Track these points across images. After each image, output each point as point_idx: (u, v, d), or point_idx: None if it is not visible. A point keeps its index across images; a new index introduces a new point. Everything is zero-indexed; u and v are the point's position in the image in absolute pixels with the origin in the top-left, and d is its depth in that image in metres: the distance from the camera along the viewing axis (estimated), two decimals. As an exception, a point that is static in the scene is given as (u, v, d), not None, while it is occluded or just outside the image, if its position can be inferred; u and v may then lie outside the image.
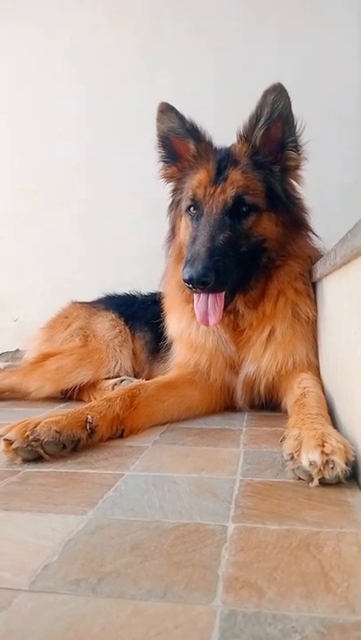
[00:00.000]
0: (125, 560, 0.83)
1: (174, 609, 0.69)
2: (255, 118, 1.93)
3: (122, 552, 0.86)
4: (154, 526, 0.96)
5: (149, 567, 0.81)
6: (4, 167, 3.58)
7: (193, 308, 1.87)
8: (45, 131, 3.48)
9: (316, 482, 1.13)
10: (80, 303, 2.87)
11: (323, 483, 1.13)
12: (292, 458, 1.20)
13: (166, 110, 2.06)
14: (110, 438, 1.60)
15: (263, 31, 3.13)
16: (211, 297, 1.80)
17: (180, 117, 2.05)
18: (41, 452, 1.38)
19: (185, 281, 1.72)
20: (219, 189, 1.88)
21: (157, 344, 2.44)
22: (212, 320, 1.80)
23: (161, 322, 2.28)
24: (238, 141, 1.99)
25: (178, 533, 0.93)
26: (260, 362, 1.95)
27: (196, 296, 1.83)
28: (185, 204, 1.99)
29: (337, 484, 1.13)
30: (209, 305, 1.80)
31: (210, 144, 2.05)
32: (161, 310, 2.29)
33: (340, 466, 1.11)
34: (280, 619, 0.67)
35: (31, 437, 1.37)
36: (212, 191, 1.89)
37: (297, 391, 1.71)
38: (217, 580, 0.77)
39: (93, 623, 0.67)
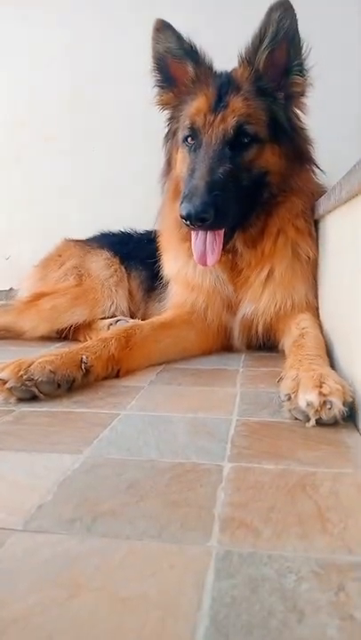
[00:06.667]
0: (121, 499, 0.83)
1: (170, 549, 0.69)
2: (258, 39, 1.77)
3: (117, 491, 0.85)
4: (149, 466, 0.95)
5: (145, 507, 0.80)
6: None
7: (190, 247, 1.80)
8: (34, 59, 3.24)
9: (313, 422, 1.12)
10: (73, 241, 2.78)
11: (320, 423, 1.12)
12: (289, 398, 1.19)
13: (163, 28, 1.89)
14: (105, 378, 1.59)
15: None
16: (210, 235, 1.72)
17: (178, 37, 1.88)
18: (35, 391, 1.36)
19: (182, 217, 1.64)
20: (219, 118, 1.76)
21: (153, 283, 2.39)
22: (211, 260, 1.73)
23: (157, 261, 2.22)
24: (240, 65, 1.84)
25: (174, 473, 0.92)
26: (258, 302, 1.91)
27: (193, 234, 1.75)
28: (182, 133, 1.87)
29: (334, 424, 1.12)
30: (207, 244, 1.72)
31: (210, 68, 1.90)
32: (157, 249, 2.23)
33: (338, 406, 1.10)
34: (276, 559, 0.66)
35: (25, 377, 1.35)
36: (211, 119, 1.76)
37: (295, 332, 1.68)
38: (213, 520, 0.76)
39: (88, 563, 0.66)
